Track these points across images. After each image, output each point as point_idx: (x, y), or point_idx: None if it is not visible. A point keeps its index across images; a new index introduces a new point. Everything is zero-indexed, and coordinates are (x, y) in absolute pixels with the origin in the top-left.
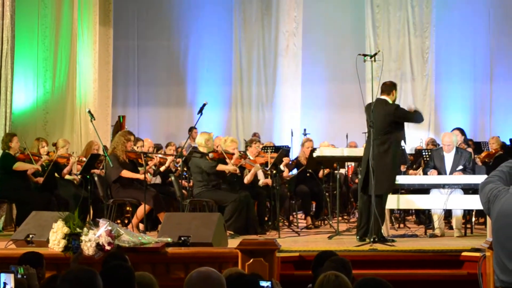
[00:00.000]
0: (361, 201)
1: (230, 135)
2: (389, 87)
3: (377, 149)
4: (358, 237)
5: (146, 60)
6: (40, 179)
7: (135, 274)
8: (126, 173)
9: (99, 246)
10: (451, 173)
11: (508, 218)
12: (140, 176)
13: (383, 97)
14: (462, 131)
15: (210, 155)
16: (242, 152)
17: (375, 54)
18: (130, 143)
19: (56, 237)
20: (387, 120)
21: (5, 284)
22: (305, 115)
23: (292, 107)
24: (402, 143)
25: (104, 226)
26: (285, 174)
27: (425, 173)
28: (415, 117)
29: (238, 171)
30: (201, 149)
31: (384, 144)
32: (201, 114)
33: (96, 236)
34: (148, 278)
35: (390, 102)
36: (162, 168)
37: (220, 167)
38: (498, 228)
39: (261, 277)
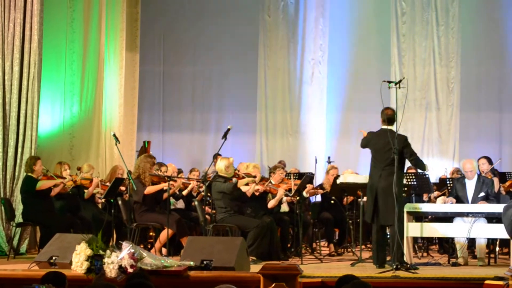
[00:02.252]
0: (374, 231)
1: (254, 162)
2: (392, 117)
3: (386, 179)
4: (377, 265)
5: (171, 86)
6: (56, 190)
7: None
8: (150, 189)
9: (121, 269)
10: (473, 200)
11: None
12: (164, 185)
13: (389, 127)
14: (489, 160)
15: (234, 180)
16: (264, 178)
17: (400, 81)
18: (154, 167)
19: (79, 259)
20: (399, 151)
21: None
22: (330, 143)
23: (316, 135)
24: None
25: (127, 248)
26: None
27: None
28: (418, 159)
29: (260, 189)
30: (222, 175)
31: (392, 175)
32: (225, 139)
33: (119, 259)
34: None
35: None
36: (184, 192)
37: (241, 182)
38: None
39: None
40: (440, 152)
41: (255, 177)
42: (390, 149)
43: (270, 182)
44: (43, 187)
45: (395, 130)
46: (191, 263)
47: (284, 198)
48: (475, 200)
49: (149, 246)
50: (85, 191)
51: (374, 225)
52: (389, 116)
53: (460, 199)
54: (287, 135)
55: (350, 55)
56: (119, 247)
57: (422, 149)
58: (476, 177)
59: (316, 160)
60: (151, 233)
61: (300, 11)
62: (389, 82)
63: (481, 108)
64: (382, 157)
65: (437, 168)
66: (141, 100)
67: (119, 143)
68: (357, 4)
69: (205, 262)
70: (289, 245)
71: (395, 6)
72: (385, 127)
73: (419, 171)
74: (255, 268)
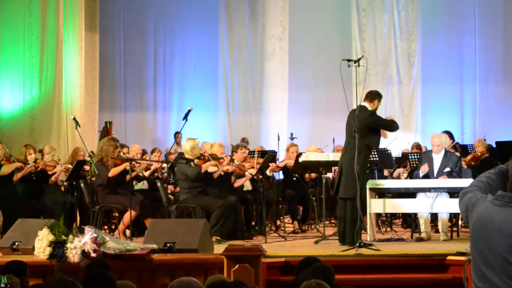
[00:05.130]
0: (339, 206)
1: (217, 140)
2: (372, 95)
3: (348, 154)
4: (340, 242)
5: (132, 65)
6: (19, 175)
7: (118, 282)
8: (114, 170)
9: (84, 254)
10: (438, 174)
11: (485, 225)
12: (126, 165)
13: (364, 103)
14: (450, 135)
15: (196, 161)
16: (232, 158)
17: (359, 59)
18: (117, 150)
19: (41, 245)
20: (362, 125)
21: None
22: (292, 120)
23: (279, 112)
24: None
25: (89, 233)
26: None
27: (413, 176)
28: (390, 124)
29: (228, 169)
30: (187, 156)
31: (355, 149)
32: (186, 120)
33: (81, 244)
34: (131, 287)
35: (369, 109)
36: (146, 173)
37: (205, 166)
38: (476, 236)
39: (244, 284)
40: (403, 126)
41: (221, 158)
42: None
43: (233, 161)
44: (6, 173)
45: (367, 106)
46: (154, 246)
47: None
48: (440, 174)
49: (113, 227)
50: (50, 174)
51: (339, 201)
52: (368, 93)
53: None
54: (249, 112)
55: (311, 31)
56: (81, 231)
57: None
58: (443, 151)
59: (278, 137)
60: (115, 214)
61: None
62: (349, 60)
63: (442, 82)
64: (349, 133)
65: (400, 143)
66: (102, 80)
67: (79, 126)
68: None
69: (168, 245)
70: (253, 223)
71: None
72: (362, 102)
73: (381, 146)
74: (219, 248)
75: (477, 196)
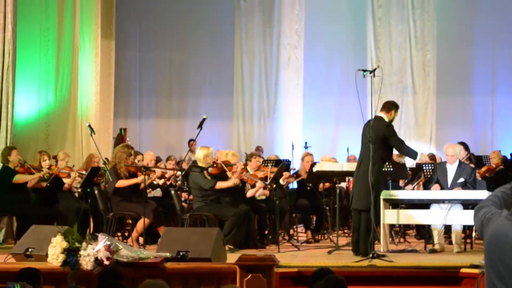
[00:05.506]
0: (354, 216)
1: (231, 148)
2: (389, 106)
3: (363, 165)
4: (354, 252)
5: (148, 71)
6: (43, 184)
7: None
8: (121, 183)
9: (97, 261)
10: (452, 185)
11: (500, 241)
12: (138, 180)
13: (381, 114)
14: (466, 146)
15: (210, 169)
16: (245, 168)
17: (375, 69)
18: (131, 157)
19: (55, 252)
20: (377, 136)
21: None
22: (307, 129)
23: (293, 120)
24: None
25: (103, 240)
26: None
27: (427, 188)
28: (406, 148)
29: (239, 183)
30: (200, 164)
31: (369, 160)
32: (200, 129)
33: (94, 251)
34: (163, 286)
35: (386, 120)
36: (160, 182)
37: (219, 184)
38: (490, 251)
39: None
40: (417, 136)
41: (234, 165)
42: (375, 134)
43: (247, 171)
44: (20, 181)
45: (384, 117)
46: (167, 254)
47: (261, 190)
48: (454, 186)
49: (126, 235)
50: (64, 181)
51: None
52: (385, 103)
53: (439, 183)
54: (264, 120)
55: (326, 40)
56: (95, 239)
57: (399, 133)
58: (457, 162)
59: (293, 146)
60: (128, 221)
61: None
62: (364, 70)
63: (457, 92)
64: (364, 143)
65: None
66: (117, 87)
67: (94, 133)
68: None
69: (181, 253)
70: (266, 232)
71: None
72: (378, 113)
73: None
74: (232, 257)
75: (492, 211)
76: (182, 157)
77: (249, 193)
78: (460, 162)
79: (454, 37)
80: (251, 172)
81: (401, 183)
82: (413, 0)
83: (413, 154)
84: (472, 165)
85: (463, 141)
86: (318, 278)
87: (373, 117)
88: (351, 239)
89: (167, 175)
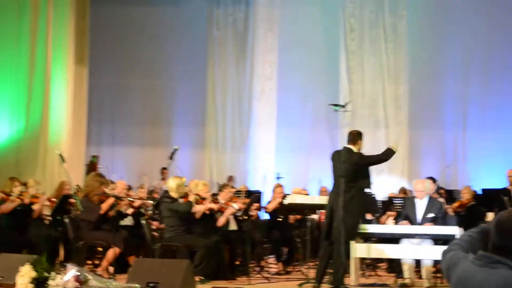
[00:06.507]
0: (323, 247)
1: (203, 177)
2: (354, 137)
3: (343, 197)
4: (317, 284)
5: (121, 99)
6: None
7: None
8: (104, 206)
9: None
10: (421, 220)
11: (466, 285)
12: (113, 199)
13: (349, 146)
14: (434, 181)
15: (181, 200)
16: (214, 197)
17: (345, 104)
18: (102, 186)
19: (23, 281)
20: (352, 169)
21: None
22: (279, 159)
23: (266, 150)
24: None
25: (71, 271)
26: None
27: (397, 222)
28: (383, 157)
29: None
30: (172, 194)
31: (349, 192)
32: (172, 160)
33: (63, 281)
34: None
35: (355, 151)
36: (129, 211)
37: (197, 207)
38: None
39: None
40: (389, 169)
41: (204, 199)
42: (349, 167)
43: (217, 201)
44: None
45: (353, 148)
46: (137, 285)
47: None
48: (424, 221)
49: (96, 262)
50: (33, 208)
51: (324, 242)
52: (349, 135)
53: (409, 218)
54: (236, 150)
55: (299, 71)
56: (64, 267)
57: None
58: (427, 197)
59: (265, 177)
60: (99, 249)
61: (249, 27)
62: (335, 105)
63: (430, 126)
64: (338, 175)
65: (387, 186)
66: (91, 114)
67: (65, 162)
68: (306, 20)
69: (151, 285)
70: (237, 263)
71: (344, 22)
72: (346, 145)
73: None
74: None
75: (459, 255)
76: (154, 185)
77: (219, 222)
78: (430, 198)
79: (427, 71)
80: (222, 202)
81: (369, 216)
82: (386, 34)
83: (390, 153)
84: (442, 199)
85: (433, 175)
86: None
87: (343, 148)
88: (317, 269)
89: (135, 204)
